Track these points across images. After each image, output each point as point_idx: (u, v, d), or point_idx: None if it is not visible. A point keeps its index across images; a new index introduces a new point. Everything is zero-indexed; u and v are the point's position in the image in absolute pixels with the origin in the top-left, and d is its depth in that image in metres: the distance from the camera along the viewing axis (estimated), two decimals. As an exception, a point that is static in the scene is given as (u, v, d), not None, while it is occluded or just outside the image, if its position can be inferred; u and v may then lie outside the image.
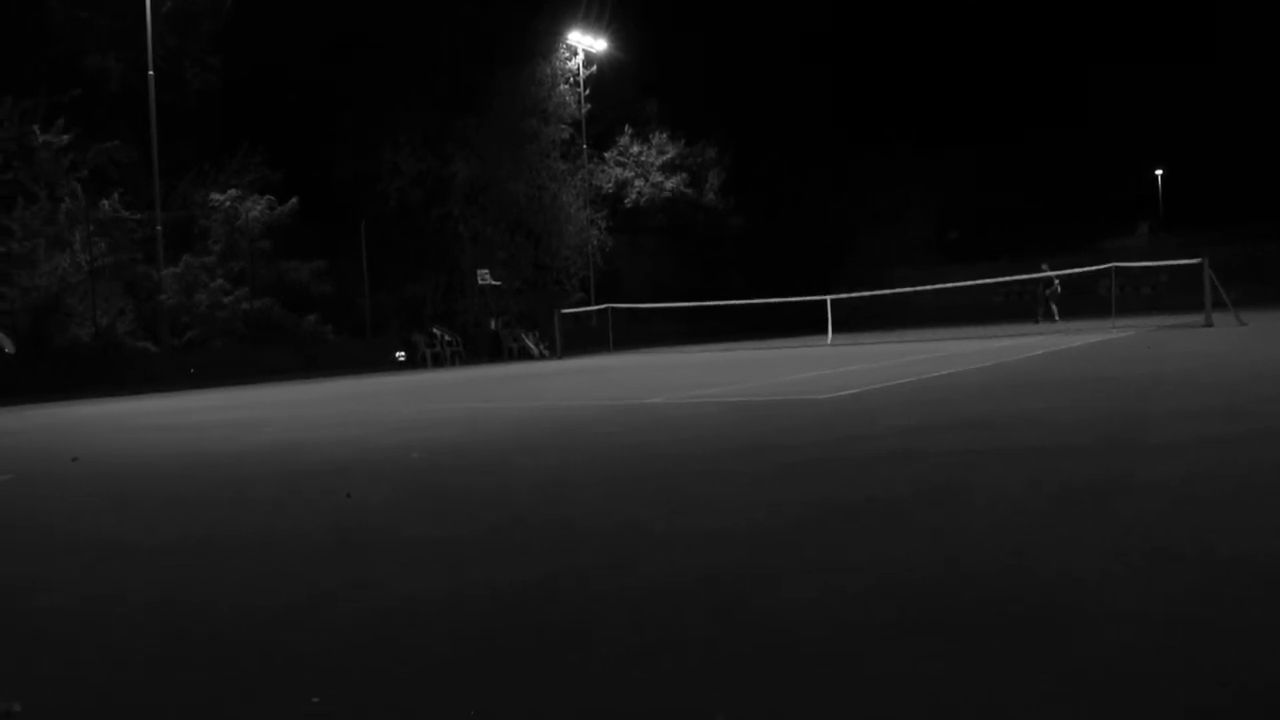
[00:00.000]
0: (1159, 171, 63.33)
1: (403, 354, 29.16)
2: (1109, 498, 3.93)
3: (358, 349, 29.55)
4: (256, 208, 28.55)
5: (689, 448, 6.32)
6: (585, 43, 39.60)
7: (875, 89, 56.91)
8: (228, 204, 28.31)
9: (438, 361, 28.85)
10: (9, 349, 13.84)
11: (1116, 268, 26.49)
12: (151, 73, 25.99)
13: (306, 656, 2.59)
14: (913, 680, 2.17)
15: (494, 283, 33.37)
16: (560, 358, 28.51)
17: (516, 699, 2.20)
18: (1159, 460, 4.72)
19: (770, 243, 48.30)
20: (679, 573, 3.20)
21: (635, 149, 44.69)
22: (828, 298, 27.70)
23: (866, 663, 2.29)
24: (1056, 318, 29.21)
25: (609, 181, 43.75)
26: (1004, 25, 62.20)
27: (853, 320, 37.24)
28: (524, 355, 31.05)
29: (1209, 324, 19.70)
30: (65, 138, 25.60)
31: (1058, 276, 29.07)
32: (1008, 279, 31.63)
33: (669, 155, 44.93)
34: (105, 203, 25.90)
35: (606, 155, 44.04)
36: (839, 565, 3.18)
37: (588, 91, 39.85)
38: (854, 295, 30.27)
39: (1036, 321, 29.35)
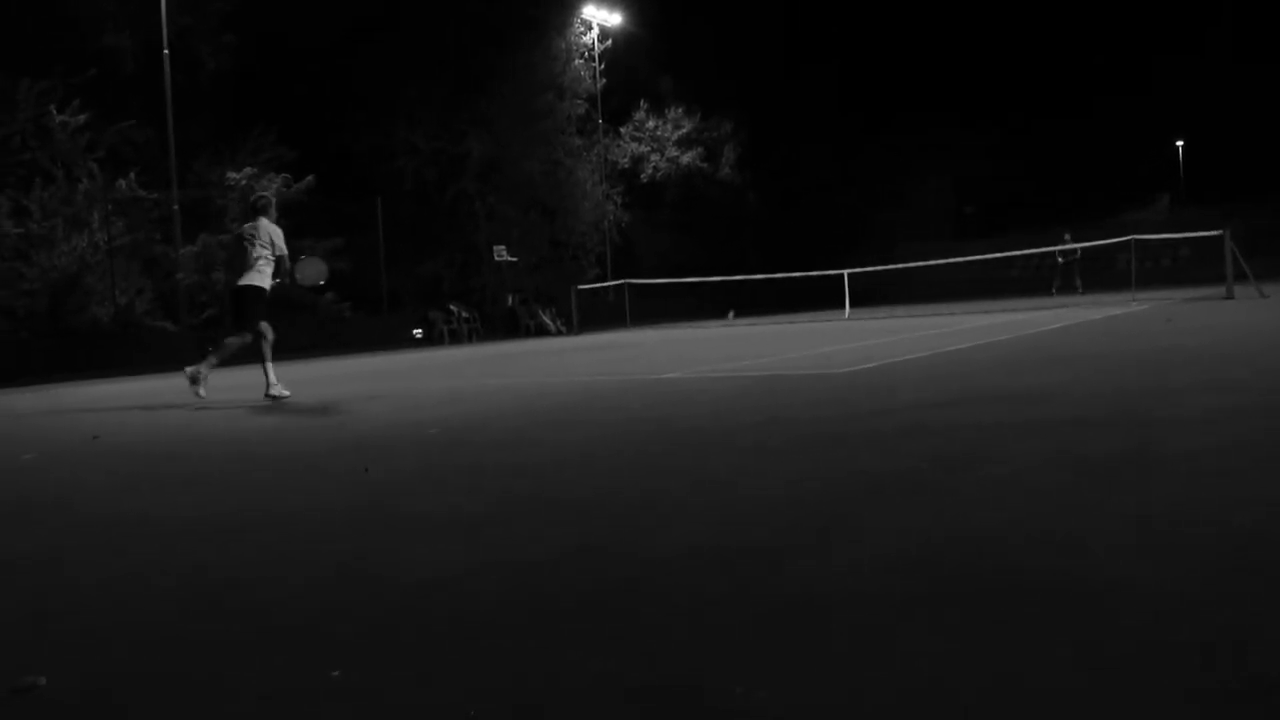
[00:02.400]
0: (1180, 143, 62.77)
1: (420, 331, 29.24)
2: (1129, 471, 3.91)
3: (375, 326, 29.62)
4: (272, 186, 28.59)
5: (707, 422, 6.32)
6: (600, 17, 39.40)
7: (892, 63, 56.53)
8: (244, 182, 28.36)
9: (455, 338, 28.92)
10: (319, 279, 12.17)
11: (1136, 240, 26.29)
12: (166, 52, 26.00)
13: (326, 631, 2.61)
14: (931, 651, 2.17)
15: (510, 259, 33.37)
16: (577, 333, 28.54)
17: (532, 672, 2.21)
18: (1179, 433, 4.70)
19: (787, 221, 48.19)
20: (698, 547, 3.20)
21: (651, 123, 44.51)
22: (844, 272, 27.60)
23: (885, 635, 2.29)
24: (1079, 288, 29.31)
25: (625, 156, 43.61)
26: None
27: (870, 294, 37.15)
28: (540, 331, 31.08)
29: (1230, 296, 19.57)
30: (82, 118, 25.65)
31: (1080, 246, 29.16)
32: (1025, 252, 31.57)
33: (685, 129, 44.74)
34: (122, 182, 25.98)
35: (622, 130, 43.89)
36: (858, 538, 3.18)
37: (603, 66, 39.68)
38: (870, 269, 30.18)
39: (1052, 293, 29.57)
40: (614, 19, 39.86)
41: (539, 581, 2.93)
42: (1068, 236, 31.18)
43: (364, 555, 3.39)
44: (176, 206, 26.26)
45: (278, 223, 10.96)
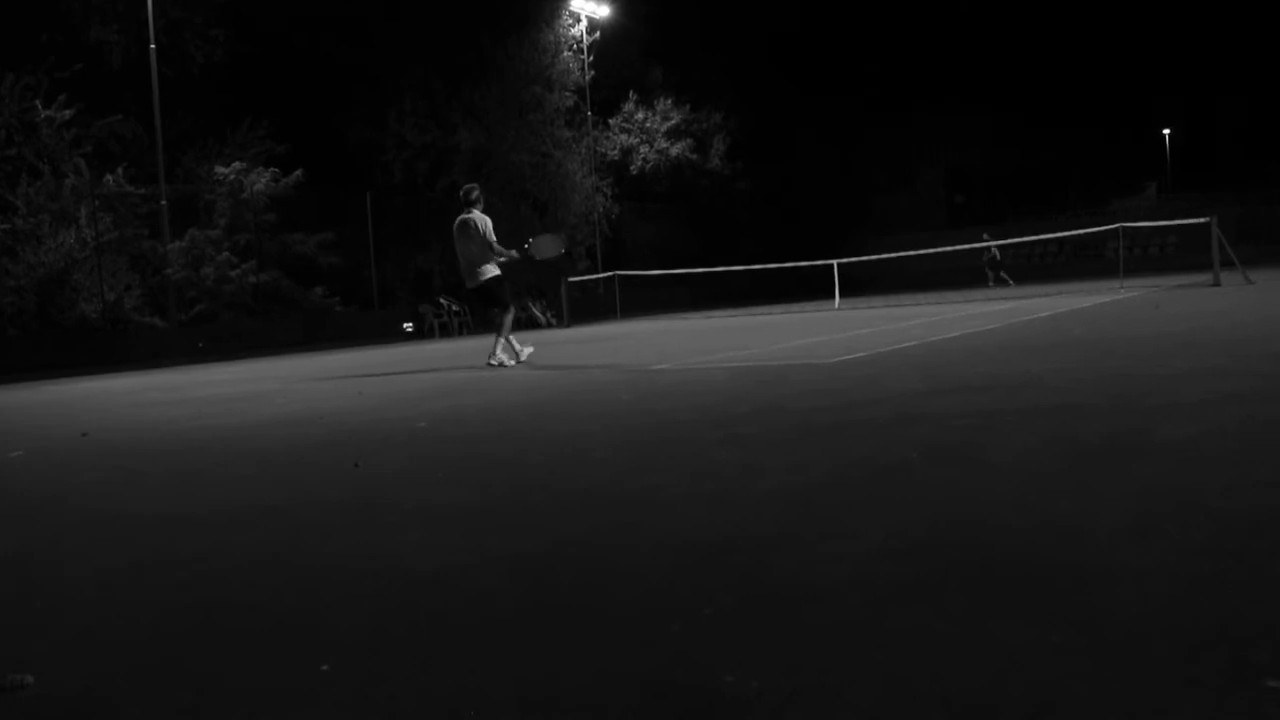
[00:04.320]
0: (1166, 131, 62.93)
1: (410, 325, 29.19)
2: (1121, 456, 3.92)
3: (365, 320, 29.57)
4: (261, 180, 28.49)
5: (699, 413, 6.31)
6: (588, 9, 39.30)
7: (883, 52, 56.51)
8: (232, 177, 28.25)
9: (445, 331, 28.87)
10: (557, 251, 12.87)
11: (1124, 228, 26.40)
12: (153, 46, 25.88)
13: (322, 628, 2.60)
14: (928, 637, 2.17)
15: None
16: (567, 326, 28.51)
17: (531, 668, 2.21)
18: (1169, 419, 4.70)
19: (779, 210, 48.20)
20: (693, 538, 3.20)
21: (640, 115, 44.43)
22: (834, 262, 27.62)
23: (881, 622, 2.30)
24: (1010, 282, 30.79)
25: (614, 148, 43.54)
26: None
27: (860, 284, 37.22)
28: (530, 324, 31.04)
29: (1216, 283, 19.63)
30: (68, 113, 25.53)
31: (998, 245, 30.67)
32: (1014, 241, 31.75)
33: (674, 121, 44.67)
34: (109, 178, 25.85)
35: (611, 122, 43.81)
36: (854, 527, 3.18)
37: (591, 58, 39.60)
38: (861, 259, 30.22)
39: (990, 286, 31.02)
40: (602, 10, 39.75)
41: (533, 577, 2.92)
42: (986, 236, 32.85)
43: (358, 551, 3.38)
44: (164, 202, 26.16)
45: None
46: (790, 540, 3.08)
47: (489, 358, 11.79)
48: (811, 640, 2.22)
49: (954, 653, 2.08)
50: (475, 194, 11.89)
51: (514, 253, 12.01)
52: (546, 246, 12.67)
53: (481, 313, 21.78)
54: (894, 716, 1.84)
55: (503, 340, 11.87)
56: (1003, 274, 32.45)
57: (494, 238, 11.70)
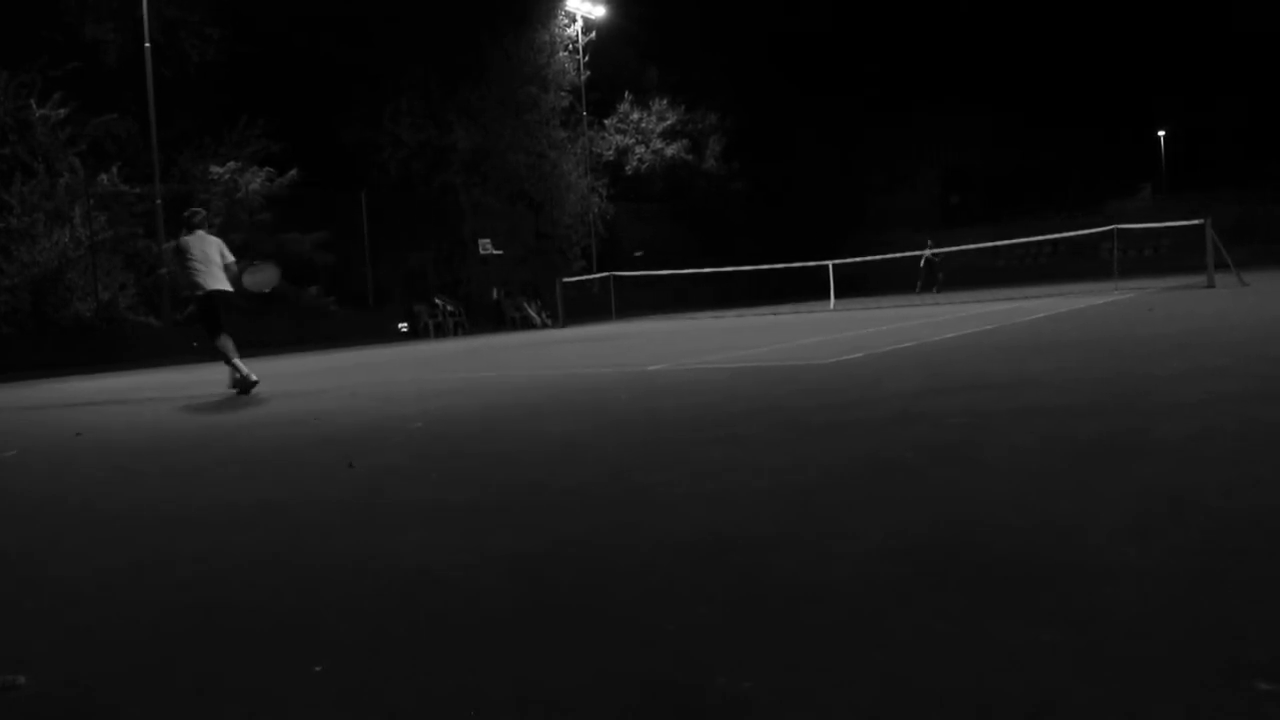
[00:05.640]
0: (1161, 133, 62.95)
1: (405, 325, 29.14)
2: (1120, 456, 3.92)
3: (360, 320, 29.50)
4: (256, 180, 28.41)
5: (696, 413, 6.31)
6: (584, 9, 39.28)
7: (879, 52, 56.48)
8: (227, 176, 28.17)
9: (440, 332, 28.84)
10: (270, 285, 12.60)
11: (1118, 229, 26.43)
12: (148, 45, 25.81)
13: (319, 628, 2.59)
14: (927, 637, 2.17)
15: (495, 252, 33.29)
16: (562, 326, 28.50)
17: (526, 667, 2.21)
18: (1166, 419, 4.71)
19: (775, 211, 48.22)
20: (693, 538, 3.19)
21: (635, 116, 44.43)
22: (830, 263, 27.63)
23: (881, 621, 2.30)
24: (937, 287, 32.09)
25: (609, 149, 43.53)
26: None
27: (856, 285, 37.32)
28: (526, 324, 31.03)
29: (1211, 285, 19.68)
30: (62, 111, 25.45)
31: (936, 254, 32.47)
32: (1010, 242, 31.82)
33: (669, 121, 44.68)
34: (104, 177, 25.77)
35: (607, 122, 43.80)
36: (853, 526, 3.18)
37: (587, 58, 39.59)
38: (856, 260, 30.23)
39: (917, 291, 32.09)
40: (597, 10, 39.74)
41: (531, 576, 2.92)
42: (930, 242, 34.36)
43: (358, 551, 3.37)
44: (159, 201, 26.10)
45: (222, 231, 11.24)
46: (789, 540, 3.08)
47: (231, 384, 10.78)
48: (811, 640, 2.22)
49: (953, 652, 2.08)
50: (200, 217, 11.30)
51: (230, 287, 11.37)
52: (261, 277, 12.36)
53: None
54: (894, 716, 1.84)
55: (236, 359, 10.84)
56: (939, 275, 33.84)
57: (231, 258, 11.17)
